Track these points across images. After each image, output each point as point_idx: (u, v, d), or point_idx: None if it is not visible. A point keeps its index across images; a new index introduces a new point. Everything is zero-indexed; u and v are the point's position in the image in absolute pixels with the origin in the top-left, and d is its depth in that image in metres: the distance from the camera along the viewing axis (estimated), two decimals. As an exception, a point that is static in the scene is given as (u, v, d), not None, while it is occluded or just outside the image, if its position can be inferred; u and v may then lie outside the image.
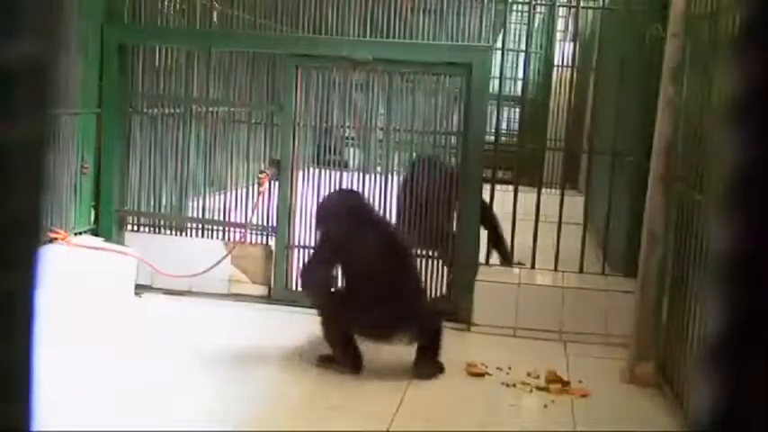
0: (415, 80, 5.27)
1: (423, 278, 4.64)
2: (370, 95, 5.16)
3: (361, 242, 4.01)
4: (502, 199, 5.28)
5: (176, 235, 5.32)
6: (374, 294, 3.91)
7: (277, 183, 5.13)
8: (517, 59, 9.50)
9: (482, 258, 5.05)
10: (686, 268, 3.70)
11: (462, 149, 5.01)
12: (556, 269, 5.02)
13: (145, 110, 5.33)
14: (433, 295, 5.00)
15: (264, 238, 5.20)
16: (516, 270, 5.03)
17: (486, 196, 5.05)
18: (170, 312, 4.84)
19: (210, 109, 5.37)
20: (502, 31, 5.59)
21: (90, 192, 5.19)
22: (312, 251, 4.55)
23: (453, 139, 5.11)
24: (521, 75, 7.39)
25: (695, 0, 3.89)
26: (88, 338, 4.23)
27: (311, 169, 5.34)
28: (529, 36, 5.84)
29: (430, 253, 5.02)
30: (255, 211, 5.11)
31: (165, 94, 5.35)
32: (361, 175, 5.20)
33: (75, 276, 4.49)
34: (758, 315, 0.46)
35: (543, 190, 5.27)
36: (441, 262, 5.03)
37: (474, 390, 3.97)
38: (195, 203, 5.45)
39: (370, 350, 4.44)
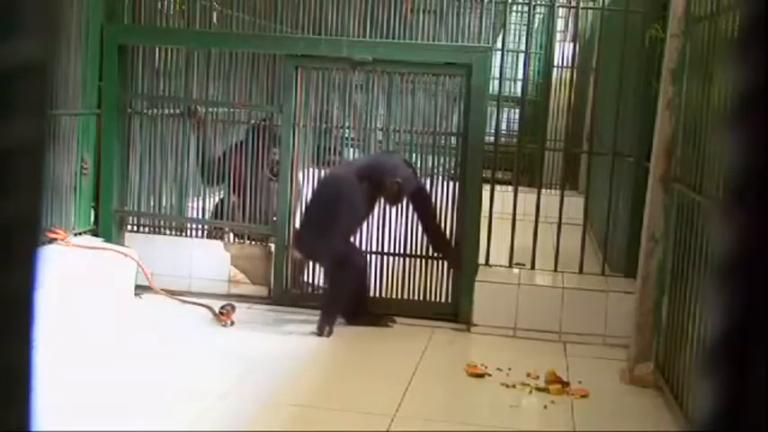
0: (414, 80, 5.27)
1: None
2: (370, 96, 5.17)
3: None
4: (502, 199, 5.27)
5: (176, 235, 5.32)
6: None
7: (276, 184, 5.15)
8: (517, 60, 9.50)
9: (482, 259, 5.04)
10: (686, 268, 3.70)
11: (462, 150, 5.01)
12: (556, 270, 5.02)
13: (145, 110, 5.33)
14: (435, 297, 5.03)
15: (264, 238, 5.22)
16: (516, 270, 5.03)
17: (486, 196, 5.05)
18: (170, 312, 4.84)
19: (210, 109, 5.37)
20: (502, 31, 5.59)
21: (90, 192, 5.19)
22: None
23: (453, 140, 5.11)
24: (521, 75, 7.39)
25: (695, 1, 3.89)
26: (88, 338, 4.23)
27: (311, 169, 5.34)
28: (529, 36, 5.84)
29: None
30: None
31: (164, 95, 5.36)
32: None
33: (75, 276, 4.49)
34: (758, 315, 0.46)
35: (543, 190, 5.28)
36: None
37: (474, 390, 3.97)
38: (195, 204, 5.45)
39: (370, 351, 4.45)
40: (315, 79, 5.20)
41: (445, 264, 5.02)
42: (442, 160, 5.16)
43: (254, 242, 5.25)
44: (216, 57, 5.29)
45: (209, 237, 5.34)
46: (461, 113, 5.07)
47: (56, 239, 4.72)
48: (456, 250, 4.97)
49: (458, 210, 5.01)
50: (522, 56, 7.76)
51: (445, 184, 5.09)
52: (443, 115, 5.13)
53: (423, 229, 5.01)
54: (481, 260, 5.01)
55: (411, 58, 4.98)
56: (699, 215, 3.53)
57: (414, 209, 4.97)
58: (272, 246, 5.15)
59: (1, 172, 0.47)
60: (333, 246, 4.62)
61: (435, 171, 5.14)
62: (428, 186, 5.09)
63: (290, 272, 5.12)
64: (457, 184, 5.04)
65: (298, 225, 4.95)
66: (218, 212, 5.37)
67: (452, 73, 5.02)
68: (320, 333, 4.54)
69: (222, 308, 4.70)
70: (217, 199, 5.46)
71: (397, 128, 5.14)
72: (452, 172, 5.11)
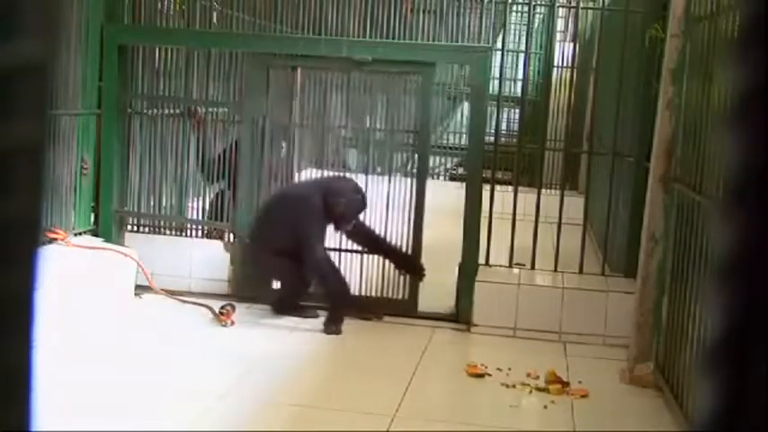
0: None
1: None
2: (369, 96, 5.16)
3: None
4: (502, 199, 5.27)
5: (176, 235, 5.32)
6: None
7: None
8: (517, 60, 9.50)
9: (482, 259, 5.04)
10: (686, 268, 3.70)
11: (421, 146, 5.02)
12: (556, 270, 5.01)
13: (145, 110, 5.33)
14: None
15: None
16: (516, 270, 5.03)
17: (486, 196, 5.04)
18: (170, 312, 4.83)
19: (210, 109, 5.37)
20: (502, 31, 5.59)
21: (90, 192, 5.19)
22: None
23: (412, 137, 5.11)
24: (521, 75, 7.39)
25: (695, 1, 3.89)
26: (88, 338, 4.23)
27: (310, 169, 5.35)
28: (529, 36, 5.84)
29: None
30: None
31: (164, 95, 5.35)
32: (359, 175, 5.19)
33: (75, 276, 4.49)
34: (758, 315, 0.46)
35: (543, 190, 5.27)
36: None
37: (474, 390, 3.97)
38: (195, 204, 5.45)
39: (370, 351, 4.45)
40: (314, 79, 5.21)
41: (404, 273, 5.04)
42: (402, 157, 5.15)
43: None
44: (216, 57, 5.29)
45: (208, 237, 5.33)
46: (411, 110, 5.08)
47: (56, 239, 4.71)
48: (412, 257, 4.99)
49: (416, 207, 5.01)
50: (522, 56, 7.76)
51: (401, 180, 5.08)
52: (401, 112, 5.13)
53: (380, 255, 5.04)
54: (481, 260, 5.01)
55: (411, 58, 4.98)
56: (699, 215, 3.53)
57: (361, 245, 5.03)
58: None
59: (1, 172, 0.47)
60: (315, 255, 4.69)
61: (394, 168, 5.14)
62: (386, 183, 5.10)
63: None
64: (414, 180, 5.03)
65: (252, 242, 4.94)
66: (216, 207, 5.35)
67: (412, 71, 5.00)
68: (329, 332, 4.59)
69: (222, 308, 4.70)
70: (212, 194, 5.44)
71: (396, 127, 5.13)
72: (409, 168, 5.10)
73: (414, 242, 5.01)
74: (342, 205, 4.74)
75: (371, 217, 5.06)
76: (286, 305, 4.85)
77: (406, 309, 4.97)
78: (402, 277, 5.02)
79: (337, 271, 4.85)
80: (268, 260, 4.85)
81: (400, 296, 5.04)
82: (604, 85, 5.83)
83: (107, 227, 5.22)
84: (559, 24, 9.44)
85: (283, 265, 4.79)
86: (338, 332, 4.60)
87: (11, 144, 0.47)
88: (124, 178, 5.29)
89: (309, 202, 4.75)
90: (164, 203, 5.37)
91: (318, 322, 4.68)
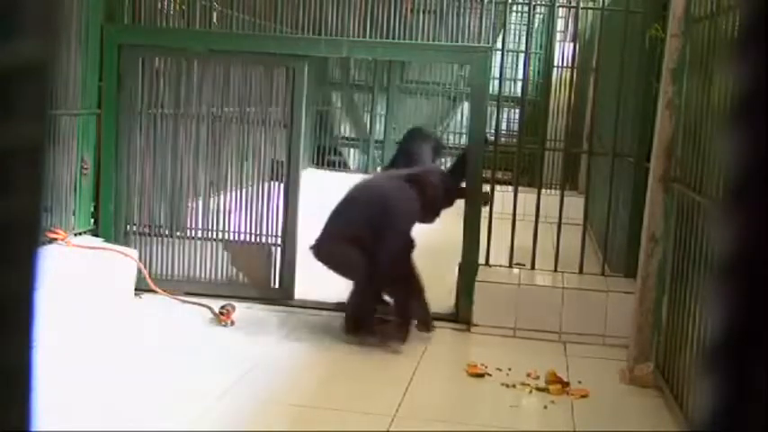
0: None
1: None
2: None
3: None
4: (502, 199, 5.27)
5: (176, 236, 5.31)
6: None
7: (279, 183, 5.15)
8: (517, 60, 9.50)
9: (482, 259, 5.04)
10: (686, 269, 3.70)
11: (288, 141, 5.06)
12: (556, 270, 5.01)
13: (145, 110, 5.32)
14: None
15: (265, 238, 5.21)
16: (516, 270, 5.03)
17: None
18: (170, 312, 4.83)
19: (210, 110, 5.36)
20: (502, 31, 5.59)
21: (90, 192, 5.18)
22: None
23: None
24: (521, 75, 7.38)
25: (695, 1, 3.89)
26: (88, 338, 4.23)
27: (311, 169, 5.34)
28: (529, 36, 5.84)
29: None
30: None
31: (164, 95, 5.35)
32: (361, 175, 5.19)
33: (75, 276, 4.49)
34: (758, 315, 0.46)
35: (543, 190, 5.27)
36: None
37: (474, 390, 3.97)
38: (195, 205, 5.44)
39: (370, 351, 4.44)
40: (314, 79, 5.20)
41: None
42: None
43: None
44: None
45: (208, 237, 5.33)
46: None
47: (56, 239, 4.71)
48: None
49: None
50: (522, 56, 7.75)
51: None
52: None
53: None
54: (481, 260, 5.00)
55: (411, 58, 4.99)
56: (699, 215, 3.54)
57: None
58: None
59: (1, 172, 0.47)
60: (396, 245, 4.49)
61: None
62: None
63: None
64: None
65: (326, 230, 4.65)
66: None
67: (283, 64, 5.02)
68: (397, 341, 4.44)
69: (222, 308, 4.70)
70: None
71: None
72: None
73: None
74: (450, 192, 4.74)
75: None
76: (359, 324, 4.51)
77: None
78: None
79: (417, 279, 4.60)
80: (341, 250, 4.50)
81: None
82: (604, 85, 5.83)
83: (107, 227, 5.21)
84: (559, 24, 9.44)
85: (359, 257, 4.44)
86: (404, 341, 4.43)
87: (11, 144, 0.47)
88: (124, 178, 5.27)
89: (413, 201, 4.54)
90: (164, 204, 5.35)
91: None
